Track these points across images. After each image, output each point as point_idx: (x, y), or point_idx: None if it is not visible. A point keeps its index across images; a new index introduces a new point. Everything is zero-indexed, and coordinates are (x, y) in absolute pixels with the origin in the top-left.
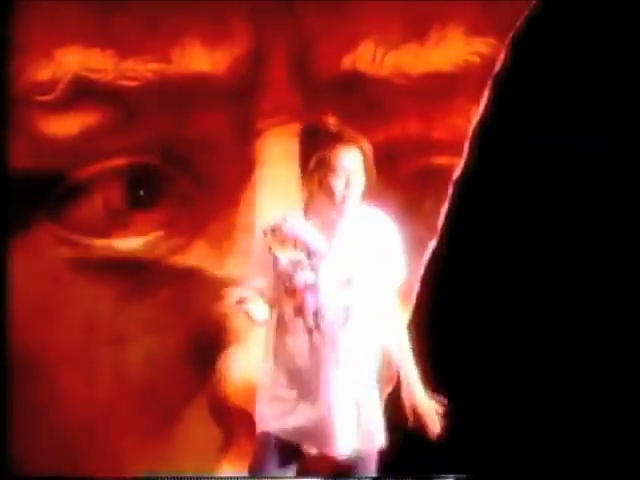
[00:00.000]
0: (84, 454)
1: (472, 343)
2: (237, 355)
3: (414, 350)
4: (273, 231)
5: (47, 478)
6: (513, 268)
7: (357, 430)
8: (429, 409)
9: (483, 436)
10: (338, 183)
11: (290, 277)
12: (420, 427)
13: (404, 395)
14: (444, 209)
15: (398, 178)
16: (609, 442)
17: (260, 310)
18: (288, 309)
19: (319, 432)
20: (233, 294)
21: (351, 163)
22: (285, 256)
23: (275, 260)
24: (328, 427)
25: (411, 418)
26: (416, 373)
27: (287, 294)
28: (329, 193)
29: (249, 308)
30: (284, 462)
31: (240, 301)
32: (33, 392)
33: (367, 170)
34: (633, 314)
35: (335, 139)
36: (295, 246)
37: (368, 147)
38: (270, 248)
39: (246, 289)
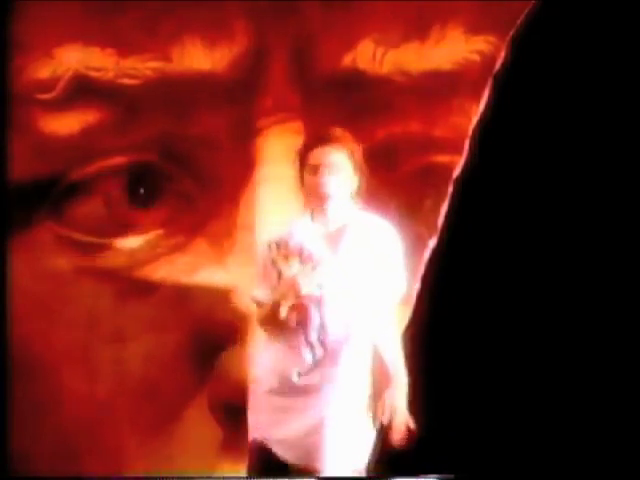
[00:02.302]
0: (85, 453)
1: (471, 342)
2: (237, 354)
3: (410, 356)
4: (278, 245)
5: (47, 478)
6: (513, 267)
7: (345, 451)
8: (403, 420)
9: (474, 436)
10: (316, 180)
11: (294, 291)
12: (387, 432)
13: (386, 396)
14: (444, 207)
15: (398, 176)
16: (606, 445)
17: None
18: (291, 322)
19: (307, 446)
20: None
21: (329, 160)
22: (290, 270)
23: (280, 274)
24: (318, 442)
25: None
26: (404, 382)
27: (291, 308)
28: (309, 190)
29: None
30: (279, 468)
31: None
32: (33, 391)
33: (357, 170)
34: (633, 314)
35: (319, 139)
36: (300, 260)
37: (355, 147)
38: (275, 262)
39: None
